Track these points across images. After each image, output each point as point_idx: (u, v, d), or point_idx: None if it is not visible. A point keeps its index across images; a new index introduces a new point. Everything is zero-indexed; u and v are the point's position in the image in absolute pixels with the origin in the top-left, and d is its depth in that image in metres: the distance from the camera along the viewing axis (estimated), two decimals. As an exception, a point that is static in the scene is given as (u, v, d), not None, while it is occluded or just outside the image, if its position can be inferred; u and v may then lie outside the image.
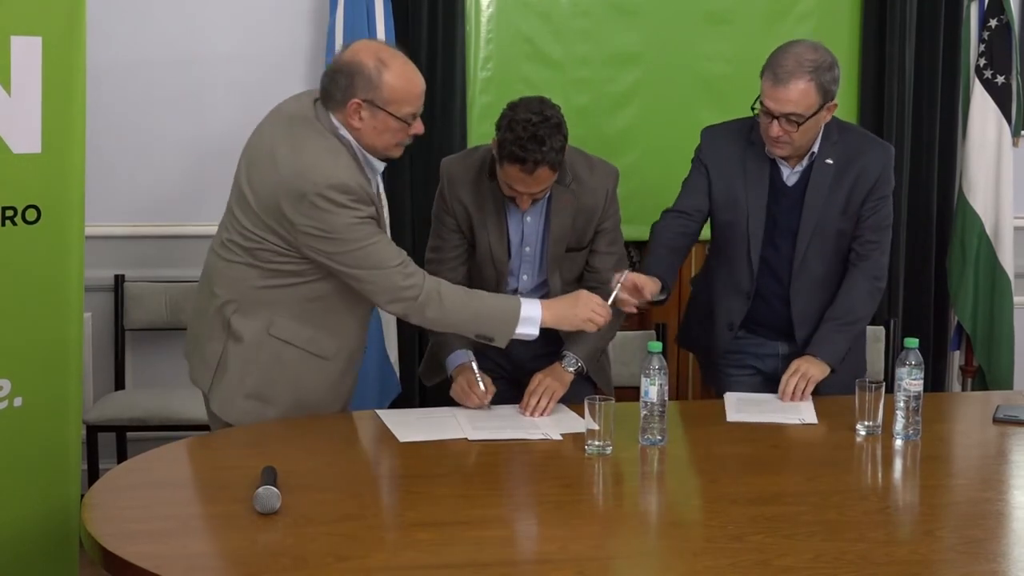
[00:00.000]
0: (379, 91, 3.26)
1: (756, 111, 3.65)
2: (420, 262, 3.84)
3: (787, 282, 3.83)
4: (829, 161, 3.69)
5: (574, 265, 3.78)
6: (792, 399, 3.63)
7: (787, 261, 3.82)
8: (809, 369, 3.67)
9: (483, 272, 3.75)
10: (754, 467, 3.26)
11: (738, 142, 3.80)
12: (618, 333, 3.92)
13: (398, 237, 4.96)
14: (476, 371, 3.58)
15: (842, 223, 3.79)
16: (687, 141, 5.20)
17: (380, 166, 3.42)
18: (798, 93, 3.55)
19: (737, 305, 3.88)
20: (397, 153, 3.42)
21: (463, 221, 3.72)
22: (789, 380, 3.67)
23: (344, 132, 3.32)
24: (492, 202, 3.66)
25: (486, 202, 3.67)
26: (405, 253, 3.37)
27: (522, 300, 3.43)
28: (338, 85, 3.29)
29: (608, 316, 3.44)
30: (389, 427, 3.41)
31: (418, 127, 3.37)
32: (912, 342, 3.42)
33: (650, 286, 3.54)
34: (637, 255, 5.40)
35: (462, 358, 3.63)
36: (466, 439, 3.33)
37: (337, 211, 3.23)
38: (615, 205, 3.77)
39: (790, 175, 3.75)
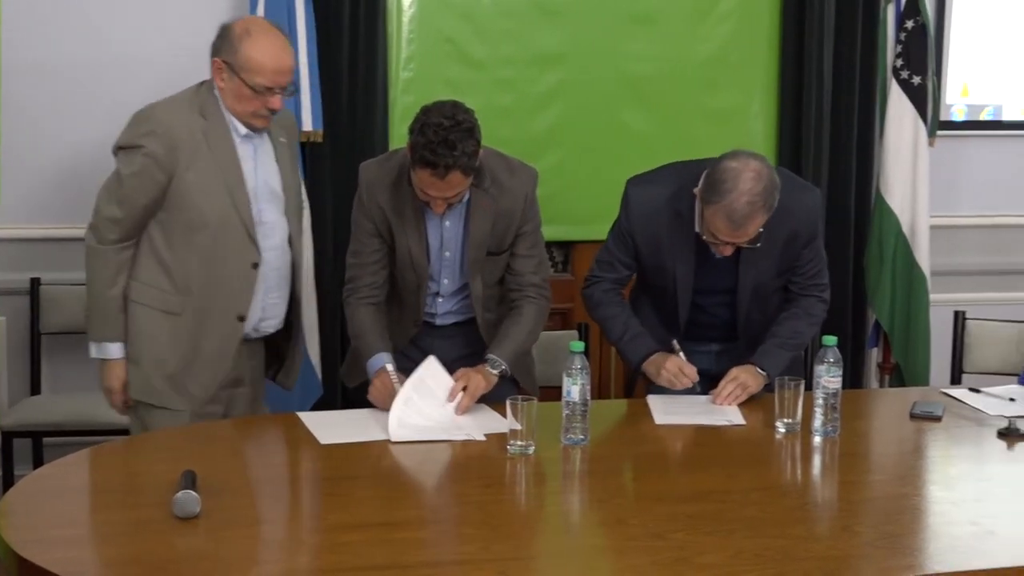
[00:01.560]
0: (236, 56, 3.54)
1: (705, 239, 3.61)
2: (343, 265, 3.85)
3: (725, 323, 3.87)
4: (760, 231, 3.58)
5: (495, 269, 3.77)
6: (723, 403, 3.67)
7: (725, 305, 3.84)
8: (748, 380, 3.70)
9: (404, 276, 3.74)
10: (676, 465, 3.29)
11: (664, 211, 3.73)
12: (542, 333, 3.92)
13: (321, 244, 4.95)
14: (393, 375, 3.57)
15: (778, 281, 3.83)
16: (611, 141, 5.27)
17: (243, 130, 3.61)
18: (755, 227, 3.51)
19: (665, 338, 3.89)
20: (258, 123, 3.62)
21: (382, 225, 3.70)
22: (727, 385, 3.69)
23: (216, 91, 3.61)
24: (411, 207, 3.65)
25: (405, 207, 3.65)
26: (118, 232, 3.60)
27: None
28: (213, 45, 3.61)
29: None
30: (310, 429, 3.39)
31: (273, 102, 3.56)
32: (830, 340, 3.47)
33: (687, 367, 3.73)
34: (560, 255, 5.42)
35: (380, 362, 3.62)
36: (388, 440, 3.32)
37: (128, 128, 3.60)
38: (535, 208, 3.77)
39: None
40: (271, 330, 3.80)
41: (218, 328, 3.65)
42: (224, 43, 3.56)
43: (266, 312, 3.73)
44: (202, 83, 3.66)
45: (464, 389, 3.52)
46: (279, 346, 3.91)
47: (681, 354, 3.73)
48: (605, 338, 3.98)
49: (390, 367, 3.58)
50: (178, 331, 3.62)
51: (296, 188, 3.84)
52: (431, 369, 3.54)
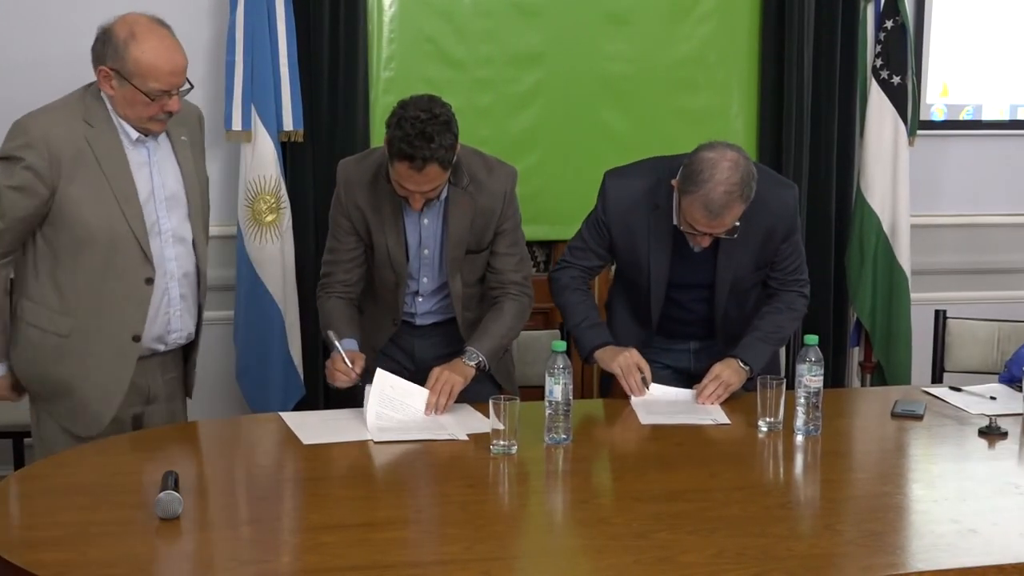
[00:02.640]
0: (124, 63, 3.32)
1: (683, 230, 3.63)
2: (320, 265, 3.85)
3: (702, 319, 3.88)
4: (737, 223, 3.58)
5: (475, 267, 3.78)
6: (707, 403, 3.67)
7: (703, 300, 3.84)
8: (731, 377, 3.70)
9: (383, 275, 3.75)
10: (658, 464, 3.29)
11: (642, 204, 3.75)
12: (523, 333, 3.92)
13: (301, 242, 4.95)
14: (342, 351, 3.56)
15: (756, 276, 3.85)
16: (589, 141, 5.27)
17: (133, 134, 3.42)
18: (733, 217, 3.52)
19: (633, 343, 3.89)
20: (155, 128, 3.44)
21: (359, 224, 3.71)
22: (708, 384, 3.70)
23: (104, 95, 3.40)
24: (389, 205, 3.65)
25: (383, 205, 3.66)
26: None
27: None
28: (94, 51, 3.38)
29: None
30: (292, 429, 3.38)
31: (171, 104, 3.39)
32: (812, 339, 3.48)
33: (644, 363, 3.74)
34: (542, 255, 5.43)
35: (344, 347, 3.61)
36: (371, 441, 3.32)
37: (6, 139, 3.37)
38: (514, 206, 3.77)
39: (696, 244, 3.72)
40: (182, 341, 3.62)
41: (110, 350, 3.45)
42: (108, 49, 3.33)
43: (172, 324, 3.55)
44: (88, 86, 3.45)
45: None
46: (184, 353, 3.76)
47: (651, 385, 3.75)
48: (564, 324, 4.00)
49: (340, 345, 3.58)
50: (68, 354, 3.43)
51: (201, 189, 3.62)
52: (386, 382, 3.52)
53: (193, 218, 3.56)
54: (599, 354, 3.78)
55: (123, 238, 3.38)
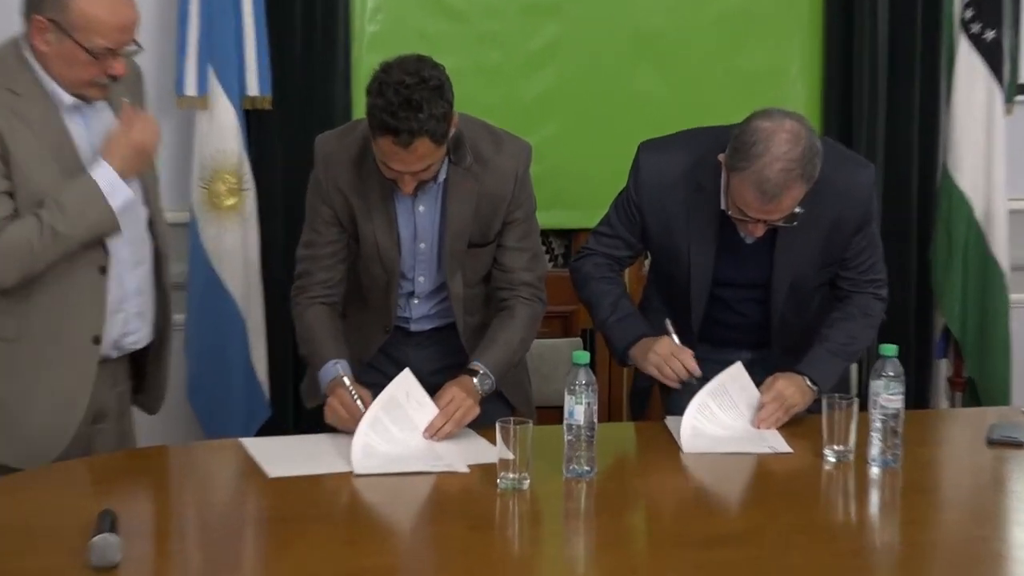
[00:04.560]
0: (67, 13, 3.33)
1: (732, 216, 3.61)
2: (294, 258, 3.83)
3: (755, 324, 3.89)
4: (798, 209, 3.56)
5: (479, 264, 3.78)
6: (765, 427, 3.63)
7: (755, 302, 3.85)
8: (794, 396, 3.67)
9: (371, 273, 3.75)
10: (701, 502, 3.29)
11: (682, 183, 3.75)
12: (538, 341, 3.91)
13: (269, 232, 4.93)
14: (350, 387, 3.54)
15: (822, 275, 3.85)
16: (619, 109, 5.26)
17: (67, 99, 3.42)
18: (791, 201, 3.51)
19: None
20: (94, 94, 3.45)
21: (342, 211, 3.70)
22: (769, 404, 3.65)
23: (28, 54, 3.40)
24: (378, 188, 3.64)
25: (370, 189, 3.65)
26: None
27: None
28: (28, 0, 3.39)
29: None
30: (256, 459, 3.38)
31: (116, 67, 3.40)
32: (890, 349, 3.45)
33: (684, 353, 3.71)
34: (560, 247, 5.43)
35: (333, 372, 3.60)
36: (352, 473, 3.31)
37: None
38: (527, 190, 3.76)
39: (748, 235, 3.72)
40: (139, 345, 3.65)
41: (66, 356, 3.45)
42: None
43: (128, 324, 3.57)
44: (5, 44, 3.46)
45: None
46: (137, 359, 3.76)
47: (675, 336, 3.71)
48: (593, 321, 3.99)
49: (347, 379, 3.56)
50: (16, 364, 3.43)
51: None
52: (406, 385, 3.52)
53: (147, 195, 3.56)
54: (634, 352, 3.76)
55: None
